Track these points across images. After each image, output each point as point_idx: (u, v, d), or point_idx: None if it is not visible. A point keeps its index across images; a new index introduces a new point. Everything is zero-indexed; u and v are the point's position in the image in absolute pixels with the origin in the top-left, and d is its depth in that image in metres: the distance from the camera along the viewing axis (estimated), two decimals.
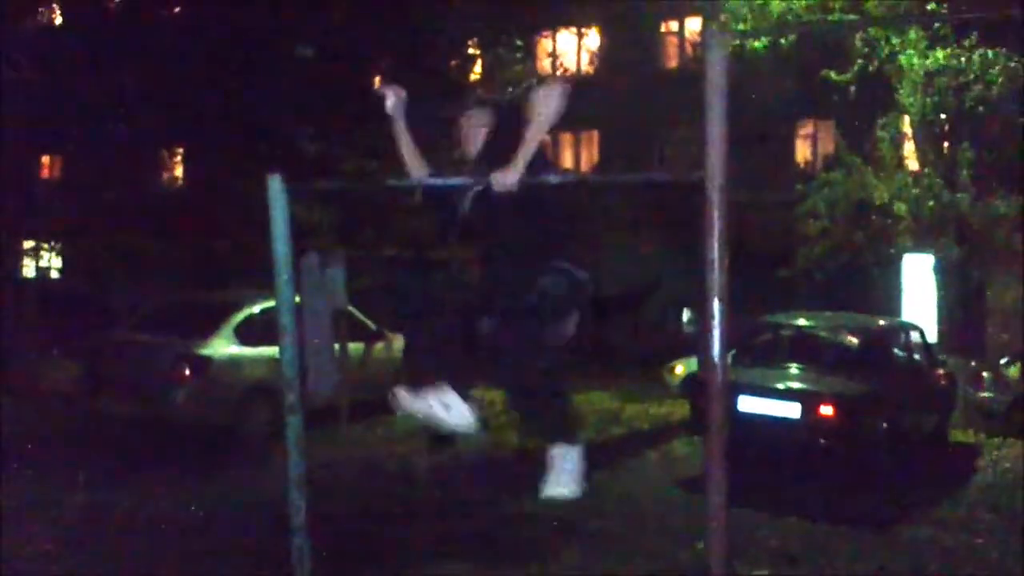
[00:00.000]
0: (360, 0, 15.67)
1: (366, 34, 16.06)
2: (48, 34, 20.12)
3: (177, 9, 18.87)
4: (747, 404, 9.86)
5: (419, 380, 4.18)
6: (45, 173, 25.47)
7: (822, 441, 9.71)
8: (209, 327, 11.35)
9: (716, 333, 3.46)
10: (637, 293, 21.59)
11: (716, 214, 3.44)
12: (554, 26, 23.77)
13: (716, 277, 3.44)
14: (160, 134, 18.73)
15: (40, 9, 20.17)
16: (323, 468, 8.30)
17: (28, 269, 25.60)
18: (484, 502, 8.87)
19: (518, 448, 10.79)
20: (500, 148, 3.82)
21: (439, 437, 10.41)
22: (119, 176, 18.49)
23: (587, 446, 4.08)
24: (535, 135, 3.83)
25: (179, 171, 24.06)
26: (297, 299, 6.45)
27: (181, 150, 22.05)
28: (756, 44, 14.59)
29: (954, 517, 9.06)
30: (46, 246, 24.70)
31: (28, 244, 24.05)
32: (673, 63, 24.37)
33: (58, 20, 21.12)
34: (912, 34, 14.02)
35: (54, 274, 26.29)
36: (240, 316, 11.48)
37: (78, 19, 19.97)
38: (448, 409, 4.00)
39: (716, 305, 3.44)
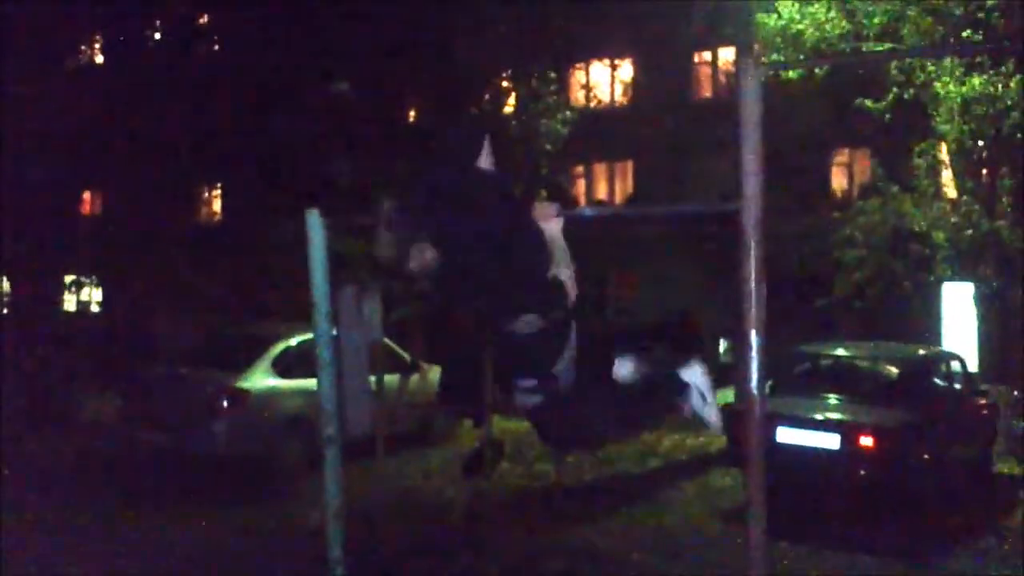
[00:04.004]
0: (395, 34, 15.82)
1: (401, 68, 16.21)
2: (89, 73, 20.47)
3: (215, 48, 19.16)
4: (786, 435, 9.76)
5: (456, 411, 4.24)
6: (86, 208, 25.84)
7: (862, 472, 9.58)
8: (247, 360, 11.42)
9: (754, 364, 3.45)
10: (672, 323, 21.49)
11: (753, 245, 3.44)
12: (587, 58, 23.83)
13: (753, 308, 3.44)
14: (199, 169, 18.99)
15: (81, 48, 20.54)
16: (358, 500, 8.31)
17: (69, 303, 25.92)
18: (521, 534, 8.84)
19: (553, 481, 10.77)
20: None
21: (470, 468, 10.41)
22: (159, 211, 18.72)
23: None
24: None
25: (217, 206, 24.36)
26: (333, 332, 6.48)
27: (220, 185, 22.34)
28: (790, 74, 14.56)
29: (998, 549, 8.92)
30: (86, 280, 24.98)
31: (69, 278, 24.35)
32: (707, 93, 24.37)
33: (99, 59, 21.50)
34: (947, 62, 13.94)
35: (94, 308, 26.59)
36: (277, 349, 11.55)
37: (118, 58, 20.32)
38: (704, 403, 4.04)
39: (754, 336, 3.44)
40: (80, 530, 8.41)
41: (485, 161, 3.90)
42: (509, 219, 3.74)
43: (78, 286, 24.49)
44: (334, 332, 4.40)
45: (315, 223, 4.07)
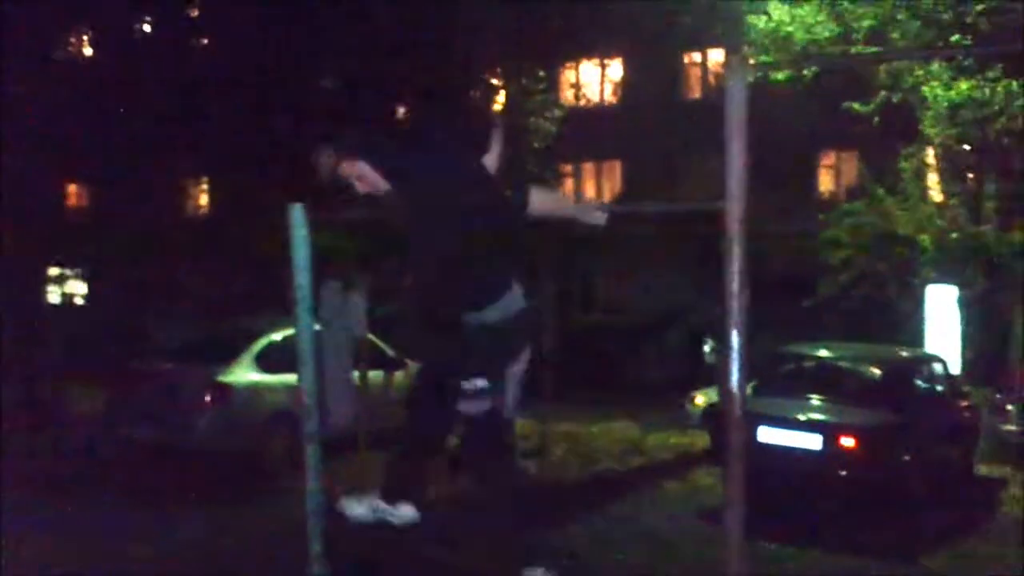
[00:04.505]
0: (385, 30, 15.80)
1: (390, 64, 16.17)
2: (77, 65, 20.39)
3: (205, 41, 19.10)
4: (768, 435, 9.79)
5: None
6: (72, 201, 25.75)
7: (843, 473, 9.62)
8: (231, 355, 11.39)
9: (735, 364, 3.46)
10: (659, 322, 21.53)
11: (736, 246, 3.45)
12: (577, 57, 23.84)
13: (735, 308, 3.44)
14: (186, 163, 18.93)
15: (71, 41, 20.46)
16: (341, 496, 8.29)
17: (53, 296, 25.82)
18: (505, 533, 8.82)
19: (538, 479, 10.78)
20: None
21: (454, 464, 10.40)
22: (144, 205, 18.67)
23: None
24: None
25: (204, 200, 24.29)
26: (317, 327, 6.45)
27: (207, 179, 22.29)
28: (779, 76, 14.61)
29: (979, 550, 8.96)
30: (71, 273, 24.91)
31: (53, 271, 24.25)
32: (696, 93, 24.41)
33: (87, 52, 21.42)
34: (935, 66, 14.00)
35: (78, 301, 26.49)
36: (261, 344, 11.51)
37: (107, 51, 20.25)
38: (390, 513, 4.05)
39: (735, 336, 3.44)
40: (65, 526, 8.38)
41: (492, 155, 3.93)
42: (487, 202, 3.75)
43: (62, 279, 24.40)
44: (317, 327, 4.39)
45: (298, 219, 4.06)
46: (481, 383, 3.76)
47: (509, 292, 3.78)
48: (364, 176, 3.84)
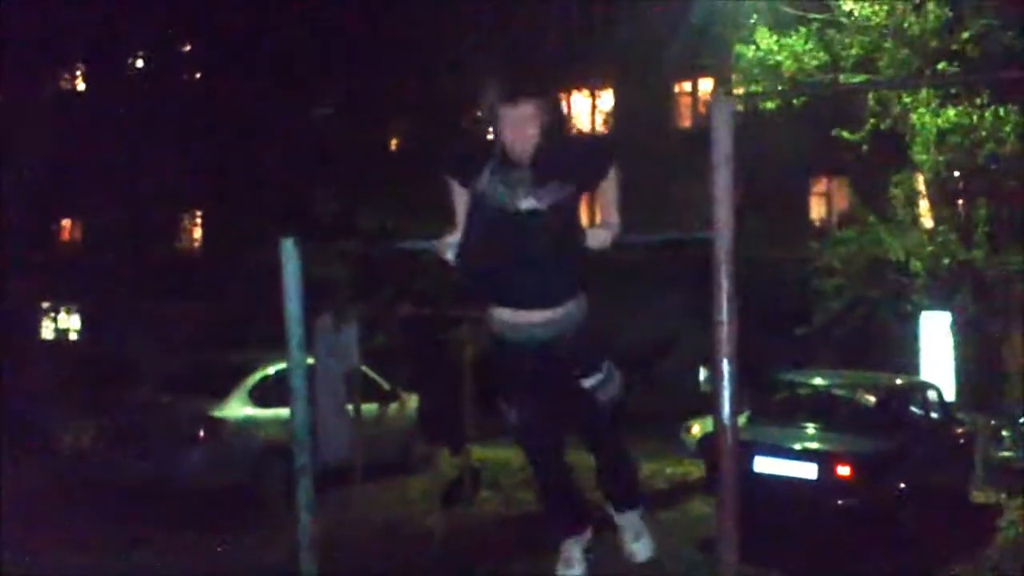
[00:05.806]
0: (377, 62, 15.88)
1: (383, 92, 16.24)
2: (70, 100, 20.46)
3: (198, 75, 19.20)
4: (763, 465, 9.77)
5: (434, 439, 4.28)
6: (65, 236, 25.76)
7: (839, 502, 9.59)
8: (224, 388, 11.35)
9: (726, 394, 3.46)
10: (654, 351, 21.49)
11: (724, 275, 3.46)
12: (568, 87, 23.95)
13: (725, 337, 3.45)
14: (178, 196, 18.96)
15: (64, 76, 20.53)
16: (336, 529, 8.25)
17: (47, 331, 25.78)
18: (498, 563, 8.80)
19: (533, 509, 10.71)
20: None
21: (449, 496, 10.40)
22: (138, 238, 18.68)
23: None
24: (616, 192, 4.07)
25: (198, 233, 24.30)
26: (311, 360, 6.44)
27: (200, 212, 22.30)
28: (768, 104, 14.67)
29: None
30: (64, 308, 24.87)
31: (46, 305, 24.22)
32: (687, 123, 24.50)
33: (80, 87, 21.49)
34: (923, 93, 14.09)
35: (72, 336, 26.42)
36: (255, 378, 11.48)
37: (99, 86, 20.33)
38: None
39: (725, 366, 3.44)
40: (56, 557, 8.33)
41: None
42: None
43: (55, 311, 24.37)
44: (310, 360, 4.38)
45: (289, 251, 4.06)
46: (593, 380, 3.96)
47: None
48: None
